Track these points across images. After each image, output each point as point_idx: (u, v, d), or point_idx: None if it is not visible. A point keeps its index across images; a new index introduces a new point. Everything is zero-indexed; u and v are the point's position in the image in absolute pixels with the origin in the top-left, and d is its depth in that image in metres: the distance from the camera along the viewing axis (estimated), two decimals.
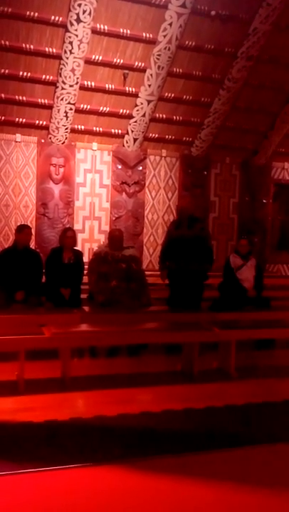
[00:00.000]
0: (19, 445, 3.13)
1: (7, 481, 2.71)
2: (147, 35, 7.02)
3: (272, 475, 2.89)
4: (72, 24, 6.54)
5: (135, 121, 7.91)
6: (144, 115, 7.82)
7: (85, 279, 6.00)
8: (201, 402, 3.96)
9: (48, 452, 3.04)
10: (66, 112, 7.42)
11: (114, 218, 8.35)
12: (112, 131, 8.07)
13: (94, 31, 6.76)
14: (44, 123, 7.68)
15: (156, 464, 2.95)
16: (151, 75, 7.35)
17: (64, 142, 7.88)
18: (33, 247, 7.18)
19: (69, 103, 7.31)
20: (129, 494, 2.64)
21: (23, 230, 5.95)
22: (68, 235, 6.01)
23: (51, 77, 7.15)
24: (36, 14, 6.51)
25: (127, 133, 8.09)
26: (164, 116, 8.14)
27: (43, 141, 7.83)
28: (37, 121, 7.66)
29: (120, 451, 3.08)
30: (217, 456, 3.10)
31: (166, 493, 2.65)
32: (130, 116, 7.87)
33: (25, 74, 7.08)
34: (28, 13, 6.47)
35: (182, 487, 2.71)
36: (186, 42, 7.24)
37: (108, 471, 2.84)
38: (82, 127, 7.92)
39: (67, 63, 6.90)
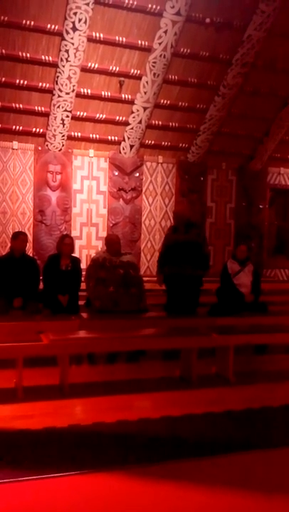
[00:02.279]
0: (17, 452, 3.12)
1: (5, 488, 2.70)
2: (143, 42, 7.07)
3: (272, 480, 2.89)
4: (68, 32, 6.58)
5: (131, 128, 7.95)
6: (140, 122, 7.86)
7: (83, 285, 6.00)
8: (200, 407, 3.95)
9: (46, 459, 3.03)
10: (63, 120, 7.46)
11: (111, 225, 8.37)
12: (109, 138, 8.11)
13: (90, 39, 6.82)
14: (41, 130, 7.71)
15: (155, 470, 2.95)
16: (146, 82, 7.40)
17: (61, 149, 7.91)
18: (31, 254, 7.21)
19: (65, 110, 7.35)
20: (128, 501, 2.64)
21: (18, 236, 5.96)
22: (66, 242, 6.01)
23: (48, 85, 7.19)
24: (32, 23, 6.56)
25: (124, 140, 8.13)
26: (160, 122, 8.19)
27: (40, 148, 7.86)
28: (34, 129, 7.70)
29: (119, 458, 3.07)
30: (216, 461, 3.10)
31: (165, 499, 2.65)
32: (126, 123, 7.91)
33: (21, 82, 7.12)
34: (24, 21, 6.52)
35: (182, 493, 2.71)
36: (181, 49, 7.30)
37: (107, 478, 2.84)
38: (79, 134, 7.96)
39: (63, 71, 6.94)
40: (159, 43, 7.01)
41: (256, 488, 2.78)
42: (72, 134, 7.86)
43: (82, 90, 7.37)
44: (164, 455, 3.15)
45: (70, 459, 3.04)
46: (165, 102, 7.91)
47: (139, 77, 7.41)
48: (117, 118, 7.86)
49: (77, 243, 7.96)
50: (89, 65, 7.15)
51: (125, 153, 8.27)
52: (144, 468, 2.97)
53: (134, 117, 7.81)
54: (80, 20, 6.45)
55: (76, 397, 4.21)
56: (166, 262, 6.03)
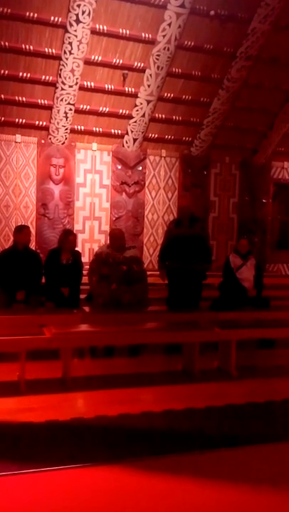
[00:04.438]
0: (20, 445, 3.14)
1: (8, 481, 2.72)
2: (146, 35, 7.03)
3: (273, 474, 2.90)
4: (71, 25, 6.54)
5: (135, 122, 7.92)
6: (143, 115, 7.83)
7: (85, 279, 6.01)
8: (202, 401, 3.96)
9: (49, 452, 3.05)
10: (66, 113, 7.43)
11: (114, 218, 8.36)
12: (112, 131, 8.09)
13: (93, 32, 6.77)
14: (44, 123, 7.69)
15: (157, 463, 2.96)
16: (150, 75, 7.36)
17: (64, 143, 7.89)
18: (34, 248, 7.20)
19: (69, 103, 7.33)
20: (130, 494, 2.65)
21: (22, 230, 5.96)
22: (70, 239, 5.98)
23: (51, 78, 7.16)
24: (36, 15, 6.52)
25: (127, 133, 8.11)
26: (164, 116, 8.16)
27: (43, 141, 7.85)
28: (37, 122, 7.68)
29: (121, 451, 3.09)
30: (218, 455, 3.11)
31: (167, 493, 2.66)
32: (130, 117, 7.88)
33: (24, 75, 7.09)
34: (27, 13, 6.49)
35: (183, 487, 2.72)
36: (185, 42, 7.25)
37: (109, 471, 2.85)
38: (82, 128, 7.93)
39: (66, 64, 6.91)
40: (163, 36, 6.96)
41: (258, 482, 2.79)
42: (76, 127, 7.83)
43: (85, 83, 7.34)
44: (166, 449, 3.16)
45: (72, 452, 3.05)
46: (169, 95, 7.87)
47: (142, 70, 7.37)
48: (121, 111, 7.83)
49: (79, 237, 7.97)
50: (92, 57, 7.11)
51: (128, 146, 8.25)
52: (146, 461, 2.98)
53: (137, 110, 7.78)
54: (83, 12, 6.41)
55: (78, 391, 4.23)
56: (169, 256, 6.03)
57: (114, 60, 7.25)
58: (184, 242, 5.88)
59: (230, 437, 3.37)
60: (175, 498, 2.62)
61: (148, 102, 7.68)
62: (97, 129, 8.02)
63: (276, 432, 3.50)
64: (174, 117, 8.23)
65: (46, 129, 7.75)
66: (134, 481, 2.77)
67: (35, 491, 2.65)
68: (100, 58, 7.18)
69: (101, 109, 7.76)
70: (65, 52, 6.83)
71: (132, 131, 8.06)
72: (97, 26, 6.79)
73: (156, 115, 8.06)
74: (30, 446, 3.13)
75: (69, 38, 6.68)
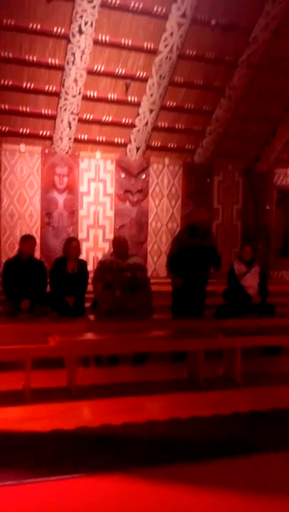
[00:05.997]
0: (25, 454, 3.14)
1: (13, 490, 2.71)
2: (148, 45, 7.09)
3: (279, 483, 2.89)
4: (74, 35, 6.61)
5: (138, 130, 7.97)
6: (146, 124, 7.87)
7: (90, 287, 6.02)
8: (207, 410, 3.95)
9: (54, 461, 3.05)
10: (69, 122, 7.49)
11: (118, 227, 8.39)
12: (115, 140, 8.13)
13: (96, 42, 6.84)
14: (48, 133, 7.75)
15: (163, 472, 2.95)
16: (152, 84, 7.42)
17: (68, 152, 7.94)
18: (38, 257, 7.23)
19: (72, 113, 7.38)
20: (136, 503, 2.64)
21: (27, 240, 5.98)
22: (73, 245, 6.03)
23: (54, 88, 7.23)
24: (39, 26, 6.59)
25: (130, 142, 8.15)
26: (166, 124, 8.20)
27: (46, 151, 7.90)
28: (41, 132, 7.73)
29: (126, 460, 3.08)
30: (223, 464, 3.10)
31: (173, 501, 2.65)
32: (133, 126, 7.93)
33: (28, 85, 7.16)
34: (30, 25, 6.56)
35: (189, 495, 2.71)
36: (187, 51, 7.31)
37: (115, 480, 2.84)
38: (86, 137, 7.98)
39: (69, 74, 6.97)
40: (165, 45, 7.02)
41: (263, 490, 2.77)
42: (79, 136, 7.88)
43: (88, 93, 7.40)
44: (171, 457, 3.15)
45: (77, 461, 3.05)
46: (171, 103, 7.92)
47: (145, 80, 7.43)
48: (124, 120, 7.88)
49: (84, 245, 7.99)
50: (95, 67, 7.18)
51: (131, 155, 8.29)
52: (151, 470, 2.97)
53: (140, 119, 7.83)
54: (86, 23, 6.48)
55: (84, 399, 4.22)
56: (180, 266, 6.02)
57: (116, 70, 7.31)
58: (197, 253, 5.93)
59: (236, 445, 3.35)
60: (181, 507, 2.61)
61: (151, 110, 7.73)
62: (101, 138, 8.07)
63: (282, 439, 3.48)
64: (176, 126, 8.27)
65: (50, 138, 7.81)
66: (140, 490, 2.76)
67: (40, 501, 2.64)
68: (102, 68, 7.25)
69: (104, 118, 7.81)
70: (68, 63, 6.89)
71: (135, 140, 8.11)
72: (100, 36, 6.85)
73: (159, 124, 8.11)
74: (35, 455, 3.13)
75: (72, 48, 6.75)
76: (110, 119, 7.83)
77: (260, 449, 3.29)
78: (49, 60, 6.97)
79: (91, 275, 6.12)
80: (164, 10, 6.72)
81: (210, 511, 2.58)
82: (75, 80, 7.02)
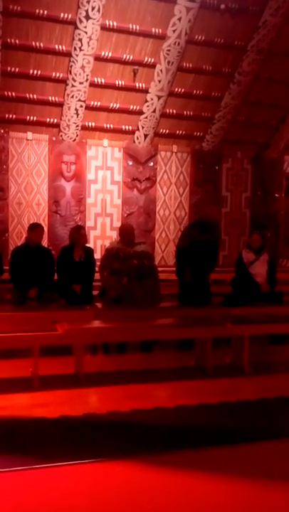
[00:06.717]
0: (33, 441, 3.16)
1: (22, 476, 2.74)
2: (156, 30, 7.00)
3: (286, 470, 2.89)
4: (81, 21, 6.54)
5: (146, 117, 7.90)
6: (154, 111, 7.80)
7: (97, 275, 6.02)
8: (215, 397, 3.96)
9: (62, 447, 3.08)
10: (77, 109, 7.44)
11: (125, 215, 8.36)
12: (123, 127, 8.07)
13: (103, 28, 6.76)
14: (55, 121, 7.70)
15: (170, 459, 2.97)
16: (161, 70, 7.34)
17: (75, 139, 7.90)
18: (46, 245, 7.24)
19: (79, 100, 7.33)
20: (143, 489, 2.66)
21: (35, 229, 6.00)
22: (82, 233, 6.05)
23: (61, 75, 7.17)
24: (45, 12, 6.52)
25: (138, 129, 8.08)
26: (175, 111, 8.12)
27: (54, 138, 7.86)
28: (48, 119, 7.69)
29: (134, 447, 3.09)
30: (230, 451, 3.11)
31: (180, 488, 2.66)
32: (140, 113, 7.86)
33: (35, 72, 7.11)
34: (37, 11, 6.49)
35: (197, 482, 2.72)
36: (196, 36, 7.20)
37: (122, 467, 2.86)
38: (93, 124, 7.93)
39: (77, 60, 6.91)
40: (173, 31, 6.93)
41: (271, 477, 2.78)
42: (86, 123, 7.83)
43: (95, 79, 7.33)
44: (178, 444, 3.16)
45: (85, 448, 3.07)
46: (179, 90, 7.83)
47: (153, 66, 7.35)
48: (131, 107, 7.81)
49: (91, 233, 7.99)
50: (102, 53, 7.10)
51: (139, 142, 8.23)
52: (158, 457, 2.99)
53: (148, 106, 7.76)
54: (93, 8, 6.40)
55: (91, 386, 4.25)
56: (190, 260, 6.03)
57: (124, 56, 7.23)
58: (207, 248, 6.01)
59: (243, 433, 3.36)
60: (188, 493, 2.63)
61: (159, 97, 7.65)
62: (108, 126, 8.02)
63: None
64: (185, 112, 8.19)
65: (57, 126, 7.76)
66: (147, 476, 2.78)
67: (49, 486, 2.67)
68: (110, 54, 7.17)
69: (112, 105, 7.75)
70: (75, 49, 6.83)
71: (142, 127, 8.04)
72: (107, 22, 6.77)
73: (167, 110, 8.03)
74: (43, 441, 3.16)
75: (79, 34, 6.68)
76: (118, 106, 7.76)
77: (267, 437, 3.29)
78: (56, 47, 6.90)
79: (98, 263, 6.13)
80: None
81: (217, 498, 2.59)
82: (82, 67, 6.96)
